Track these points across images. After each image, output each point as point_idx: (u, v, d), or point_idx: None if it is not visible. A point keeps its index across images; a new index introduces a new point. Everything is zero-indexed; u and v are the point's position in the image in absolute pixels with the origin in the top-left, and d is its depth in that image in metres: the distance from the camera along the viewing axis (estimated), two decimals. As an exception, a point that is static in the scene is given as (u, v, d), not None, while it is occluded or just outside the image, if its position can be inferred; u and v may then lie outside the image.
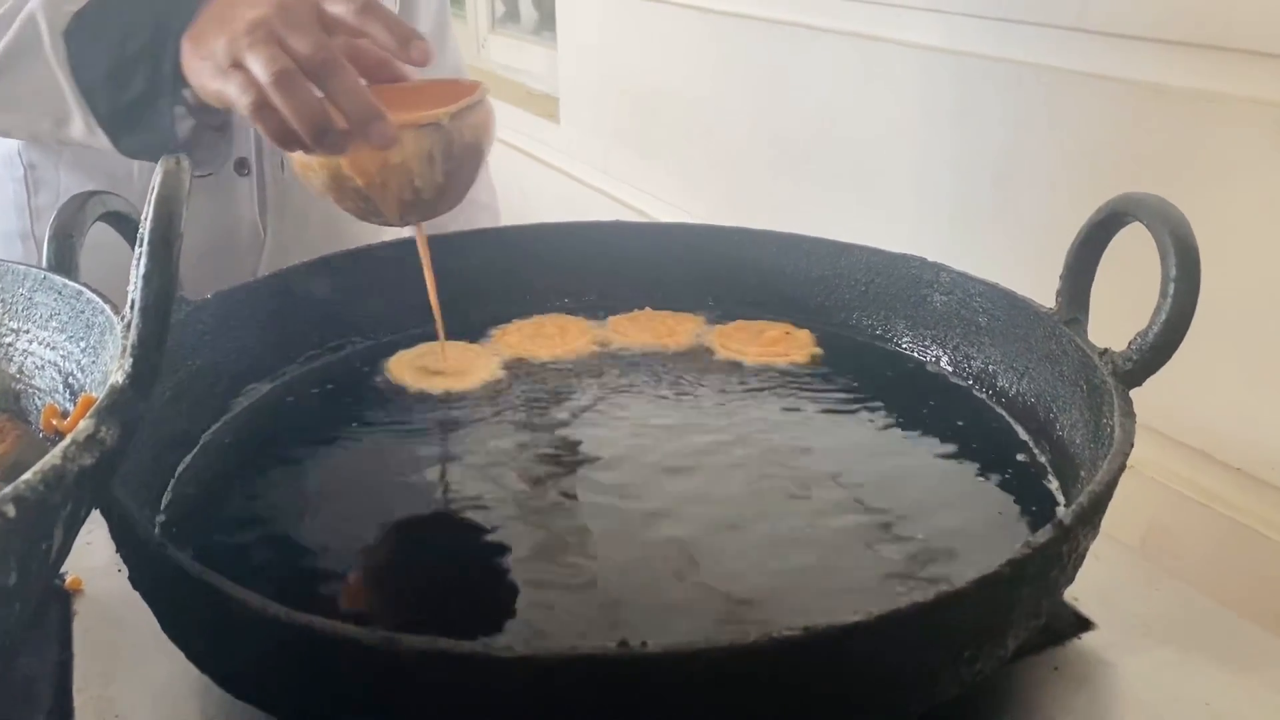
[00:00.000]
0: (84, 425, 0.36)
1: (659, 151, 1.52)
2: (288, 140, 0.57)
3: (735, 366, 0.70)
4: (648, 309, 0.78)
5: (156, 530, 0.53)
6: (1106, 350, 0.55)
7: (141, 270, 0.38)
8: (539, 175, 1.91)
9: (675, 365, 0.71)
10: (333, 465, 0.61)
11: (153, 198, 0.39)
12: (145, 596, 0.45)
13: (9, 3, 0.70)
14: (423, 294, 0.76)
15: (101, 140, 0.69)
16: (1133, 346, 0.53)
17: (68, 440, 0.35)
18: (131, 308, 0.38)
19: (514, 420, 0.64)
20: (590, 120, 1.71)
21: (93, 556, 0.56)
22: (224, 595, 0.38)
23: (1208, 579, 0.81)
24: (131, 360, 0.38)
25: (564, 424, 0.63)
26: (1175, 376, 0.53)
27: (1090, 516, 0.44)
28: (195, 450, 0.60)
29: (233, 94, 0.58)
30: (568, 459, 0.60)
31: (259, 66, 0.55)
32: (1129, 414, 0.50)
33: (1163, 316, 0.51)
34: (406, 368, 0.70)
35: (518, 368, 0.71)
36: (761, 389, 0.68)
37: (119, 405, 0.38)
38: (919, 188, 1.05)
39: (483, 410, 0.65)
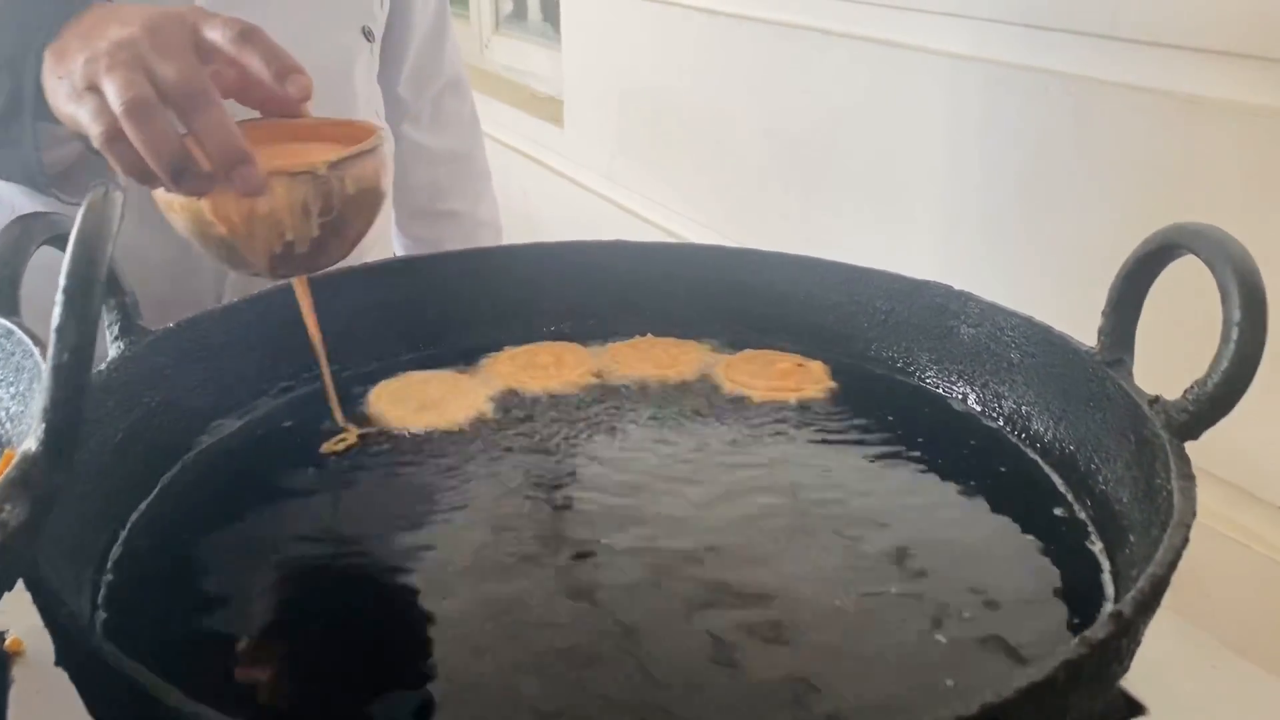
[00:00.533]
0: (-18, 505, 0.31)
1: (665, 158, 1.47)
2: (144, 177, 0.51)
3: (742, 402, 0.65)
4: (649, 335, 0.73)
5: (101, 594, 0.47)
6: (1158, 399, 0.50)
7: (56, 323, 0.32)
8: (542, 180, 1.87)
9: (678, 401, 0.65)
10: (301, 515, 0.55)
11: (72, 237, 0.33)
12: (72, 679, 0.40)
13: None
14: (410, 321, 0.71)
15: None
16: (1189, 396, 0.47)
17: (-39, 525, 0.30)
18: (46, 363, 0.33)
19: (499, 468, 0.58)
20: (595, 125, 1.66)
21: (36, 614, 0.51)
22: (148, 695, 0.33)
23: (1242, 621, 0.76)
24: (44, 425, 0.33)
25: (556, 475, 0.58)
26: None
27: (1151, 604, 0.38)
28: (152, 496, 0.55)
29: (84, 120, 0.52)
30: (557, 513, 0.54)
31: (114, 92, 0.50)
32: (1188, 475, 0.44)
33: (1224, 364, 0.46)
34: (389, 400, 0.65)
35: (508, 401, 0.65)
36: (772, 429, 0.62)
37: (29, 478, 0.32)
38: (939, 202, 0.99)
39: (467, 451, 0.60)
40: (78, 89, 0.52)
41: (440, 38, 1.00)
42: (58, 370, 0.33)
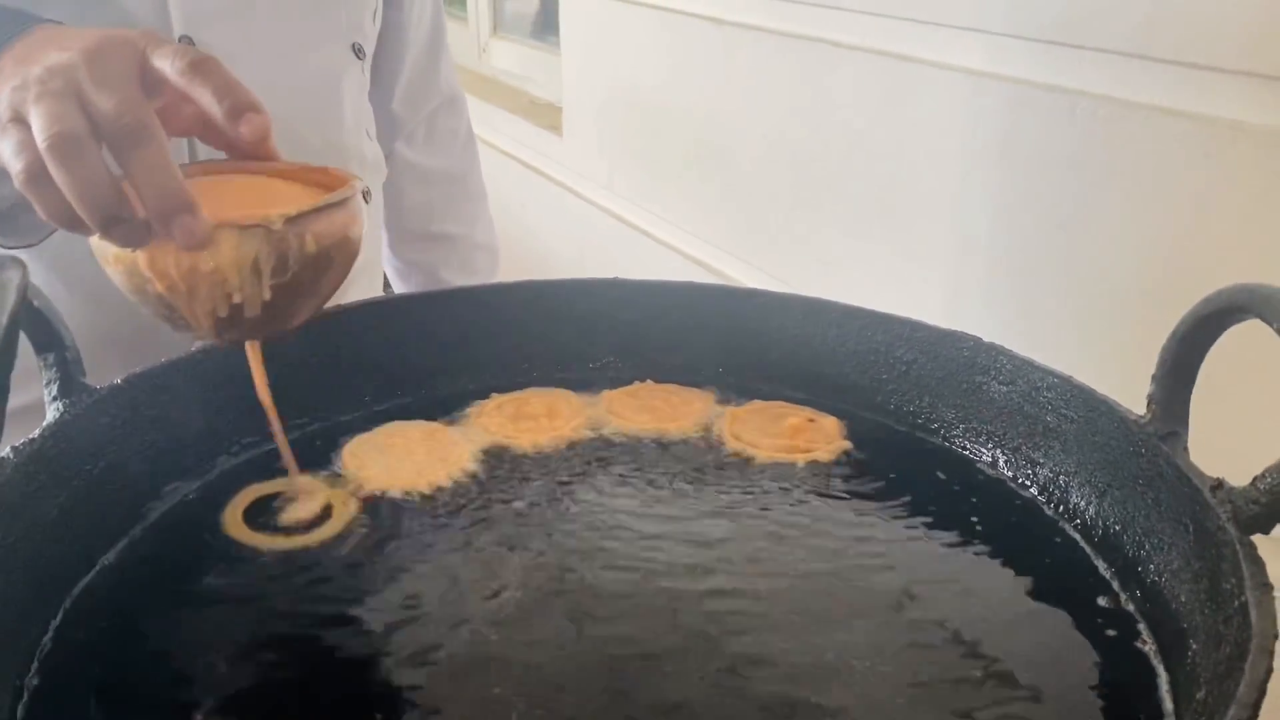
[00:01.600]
0: None
1: (667, 171, 1.42)
2: (70, 223, 0.45)
3: (746, 464, 0.59)
4: (649, 382, 0.67)
5: (23, 703, 0.42)
6: (1221, 483, 0.44)
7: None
8: (540, 189, 1.82)
9: (677, 460, 0.60)
10: (263, 599, 0.49)
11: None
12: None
13: None
14: (392, 365, 0.66)
15: None
16: (1261, 486, 0.42)
17: None
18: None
19: (482, 544, 0.52)
20: (595, 135, 1.61)
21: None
22: None
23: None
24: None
25: (545, 558, 0.52)
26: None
27: (1236, 756, 0.32)
28: (90, 576, 0.49)
29: (5, 155, 0.46)
30: (553, 593, 0.48)
31: (40, 124, 0.44)
32: (1264, 584, 0.39)
33: (1303, 452, 0.40)
34: (363, 457, 0.59)
35: (495, 460, 0.59)
36: (777, 497, 0.56)
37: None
38: (954, 226, 0.94)
39: (447, 521, 0.54)
40: (2, 120, 0.46)
41: (436, 53, 0.95)
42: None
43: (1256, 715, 0.34)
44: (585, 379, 0.67)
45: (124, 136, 0.43)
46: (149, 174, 0.43)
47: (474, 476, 0.58)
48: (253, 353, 0.52)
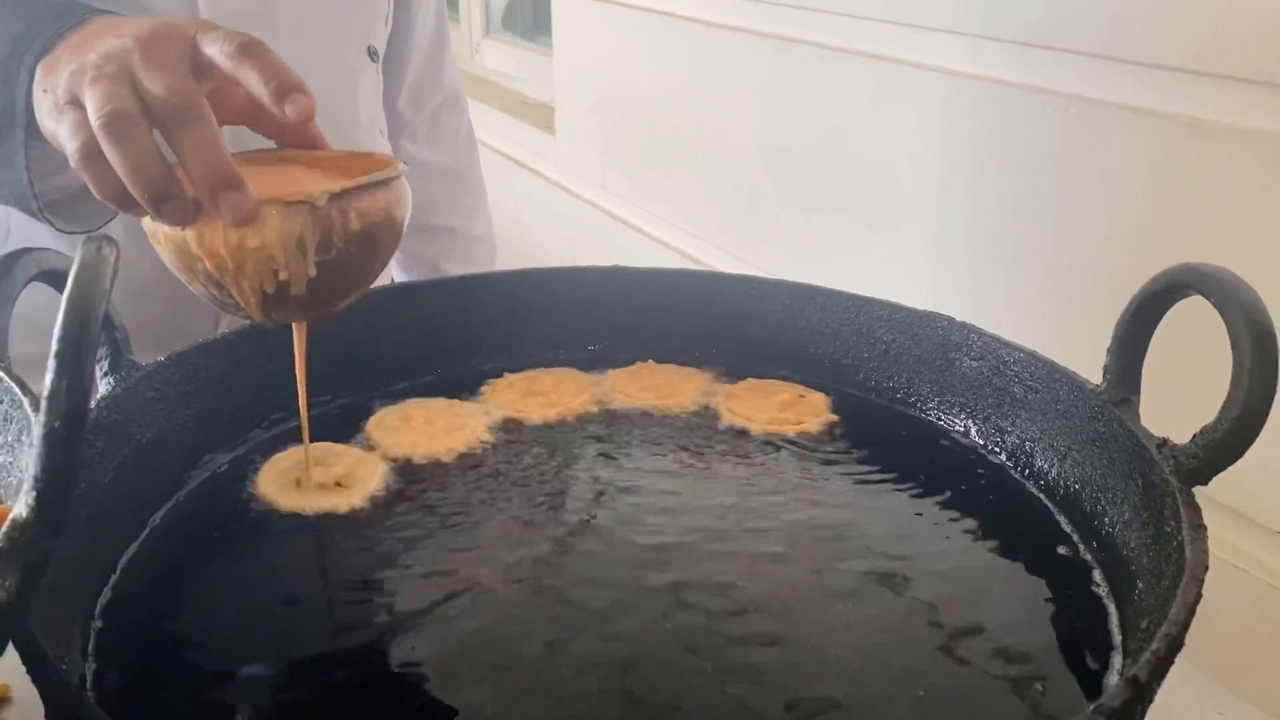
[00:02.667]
0: (-28, 579, 0.30)
1: (658, 169, 1.46)
2: (123, 202, 0.47)
3: (742, 434, 0.64)
4: (650, 362, 0.72)
5: (91, 642, 0.46)
6: (1165, 442, 0.49)
7: (47, 389, 0.31)
8: (533, 187, 1.85)
9: (679, 432, 0.65)
10: (298, 555, 0.54)
11: (65, 296, 0.32)
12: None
13: None
14: (410, 347, 0.70)
15: None
16: (1198, 442, 0.47)
17: (-51, 602, 0.29)
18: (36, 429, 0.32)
19: (501, 503, 0.57)
20: (587, 134, 1.65)
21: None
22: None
23: (1245, 660, 0.75)
24: (35, 494, 0.32)
25: (558, 513, 0.57)
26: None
27: (1165, 665, 0.38)
28: (142, 537, 0.54)
29: (62, 136, 0.47)
30: (564, 552, 0.53)
31: (94, 105, 0.45)
32: (1198, 525, 0.44)
33: (1235, 411, 0.45)
34: (388, 429, 0.64)
35: (508, 431, 0.64)
36: (770, 462, 0.61)
37: (20, 548, 0.31)
38: (934, 220, 0.99)
39: (471, 484, 0.59)
40: (59, 103, 0.48)
41: (440, 53, 0.99)
42: (49, 438, 0.31)
43: (1185, 631, 0.39)
44: (589, 360, 0.72)
45: (174, 116, 0.45)
46: (198, 152, 0.44)
47: (489, 445, 0.62)
48: (298, 332, 0.54)
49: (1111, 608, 0.49)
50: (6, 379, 0.42)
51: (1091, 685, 0.44)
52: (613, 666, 0.45)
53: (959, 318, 0.66)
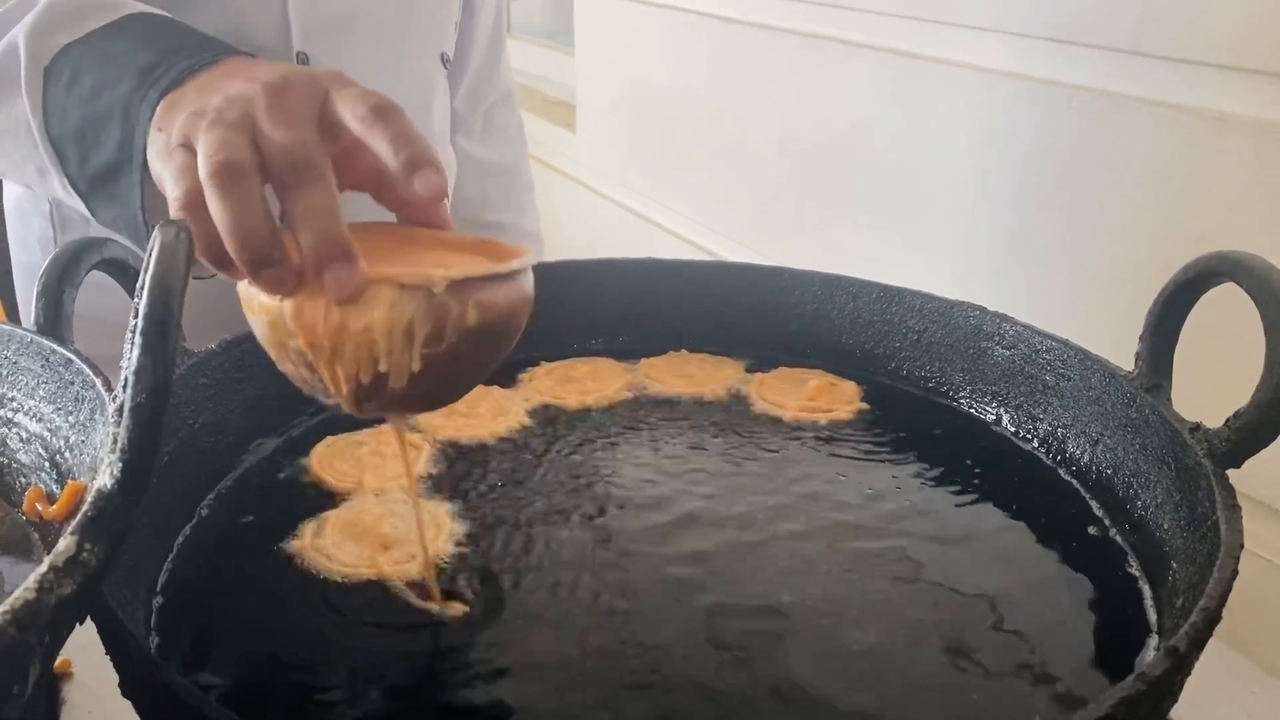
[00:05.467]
0: (64, 545, 0.31)
1: (680, 166, 1.47)
2: (220, 260, 0.42)
3: (773, 422, 0.65)
4: (683, 351, 0.73)
5: (153, 619, 0.48)
6: (1199, 426, 0.50)
7: (133, 365, 0.33)
8: (554, 184, 1.86)
9: (712, 418, 0.66)
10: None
11: (147, 277, 0.34)
12: (137, 709, 0.41)
13: (1, 9, 0.62)
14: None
15: (79, 204, 0.58)
16: (1231, 425, 0.48)
17: (44, 566, 0.31)
18: (121, 405, 0.34)
19: (543, 482, 0.59)
20: (608, 131, 1.66)
21: (86, 631, 0.51)
22: (224, 731, 0.34)
23: (1274, 641, 0.76)
24: (121, 464, 0.33)
25: (597, 492, 0.58)
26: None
27: (1203, 638, 0.39)
28: (196, 519, 0.55)
29: (166, 180, 0.44)
30: (604, 527, 0.55)
31: (205, 150, 0.41)
32: (1233, 505, 0.45)
33: (1266, 395, 0.46)
34: (436, 412, 0.65)
35: (546, 416, 0.66)
36: (801, 449, 0.62)
37: (106, 516, 0.33)
38: (961, 216, 0.99)
39: (513, 465, 0.60)
40: (171, 144, 0.45)
41: (498, 51, 1.00)
42: (136, 411, 0.33)
43: (1222, 606, 0.40)
44: (623, 349, 0.73)
45: (290, 173, 0.41)
46: (311, 216, 0.40)
47: (529, 429, 0.64)
48: (397, 433, 0.49)
49: (1146, 589, 0.50)
50: (78, 361, 0.44)
51: (1128, 665, 0.45)
52: (645, 648, 0.46)
53: (985, 303, 0.66)
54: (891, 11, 1.04)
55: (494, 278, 0.42)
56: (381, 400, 0.43)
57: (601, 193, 1.71)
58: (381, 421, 0.62)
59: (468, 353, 0.42)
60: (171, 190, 0.43)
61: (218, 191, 0.40)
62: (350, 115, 0.43)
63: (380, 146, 0.43)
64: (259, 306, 0.43)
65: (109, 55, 0.55)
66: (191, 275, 0.55)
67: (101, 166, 0.55)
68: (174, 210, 0.43)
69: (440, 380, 0.43)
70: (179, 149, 0.44)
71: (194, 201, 0.42)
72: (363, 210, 0.48)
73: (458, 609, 0.48)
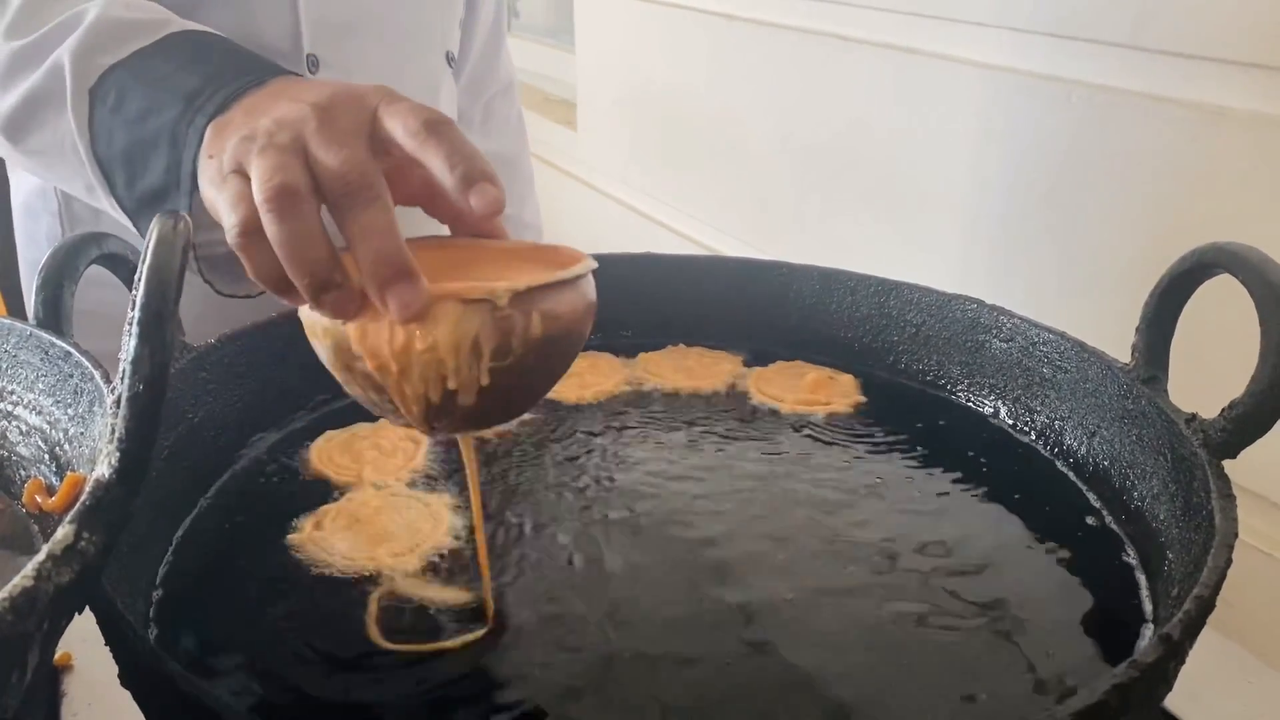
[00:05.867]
0: (62, 534, 0.32)
1: (681, 163, 1.47)
2: (280, 286, 0.42)
3: (771, 414, 0.66)
4: (681, 345, 0.74)
5: (151, 611, 0.48)
6: (1195, 416, 0.50)
7: (130, 354, 0.33)
8: (556, 182, 1.87)
9: (710, 411, 0.66)
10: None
11: (144, 267, 0.34)
12: (136, 699, 0.41)
13: (41, 29, 0.61)
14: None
15: (127, 221, 0.59)
16: (1226, 415, 0.48)
17: (42, 554, 0.31)
18: (119, 396, 0.34)
19: (541, 475, 0.59)
20: (609, 129, 1.66)
21: (84, 624, 0.51)
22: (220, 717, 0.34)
23: (1273, 633, 0.76)
24: (119, 454, 0.34)
25: (596, 486, 0.59)
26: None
27: (1197, 626, 0.39)
28: (196, 511, 0.55)
29: (221, 208, 0.43)
30: (602, 520, 0.55)
31: (259, 176, 0.41)
32: (1228, 495, 0.45)
33: (1261, 385, 0.46)
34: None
35: (545, 410, 0.66)
36: (799, 441, 0.63)
37: (104, 505, 0.33)
38: (960, 211, 1.00)
39: (510, 459, 0.60)
40: (224, 171, 0.44)
41: (498, 44, 1.00)
42: (134, 400, 0.33)
43: (1216, 594, 0.40)
44: (622, 344, 0.74)
45: (346, 195, 0.40)
46: (369, 237, 0.40)
47: (528, 423, 0.64)
48: (466, 450, 0.48)
49: (1142, 580, 0.50)
50: (76, 354, 0.44)
51: (1124, 654, 0.45)
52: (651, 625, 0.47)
53: (985, 297, 0.67)
54: (891, 7, 1.04)
55: (557, 285, 0.42)
56: (453, 418, 0.42)
57: (603, 190, 1.71)
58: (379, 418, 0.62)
59: (535, 363, 0.42)
60: (227, 218, 0.42)
61: (274, 216, 0.40)
62: (402, 131, 0.43)
63: (434, 163, 0.42)
64: (322, 331, 0.42)
65: (154, 79, 0.55)
66: (239, 294, 0.56)
67: (149, 190, 0.55)
68: (231, 238, 0.42)
69: (509, 393, 0.43)
70: (233, 175, 0.43)
71: (251, 228, 0.41)
72: (414, 224, 0.47)
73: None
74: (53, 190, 0.81)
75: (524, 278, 0.41)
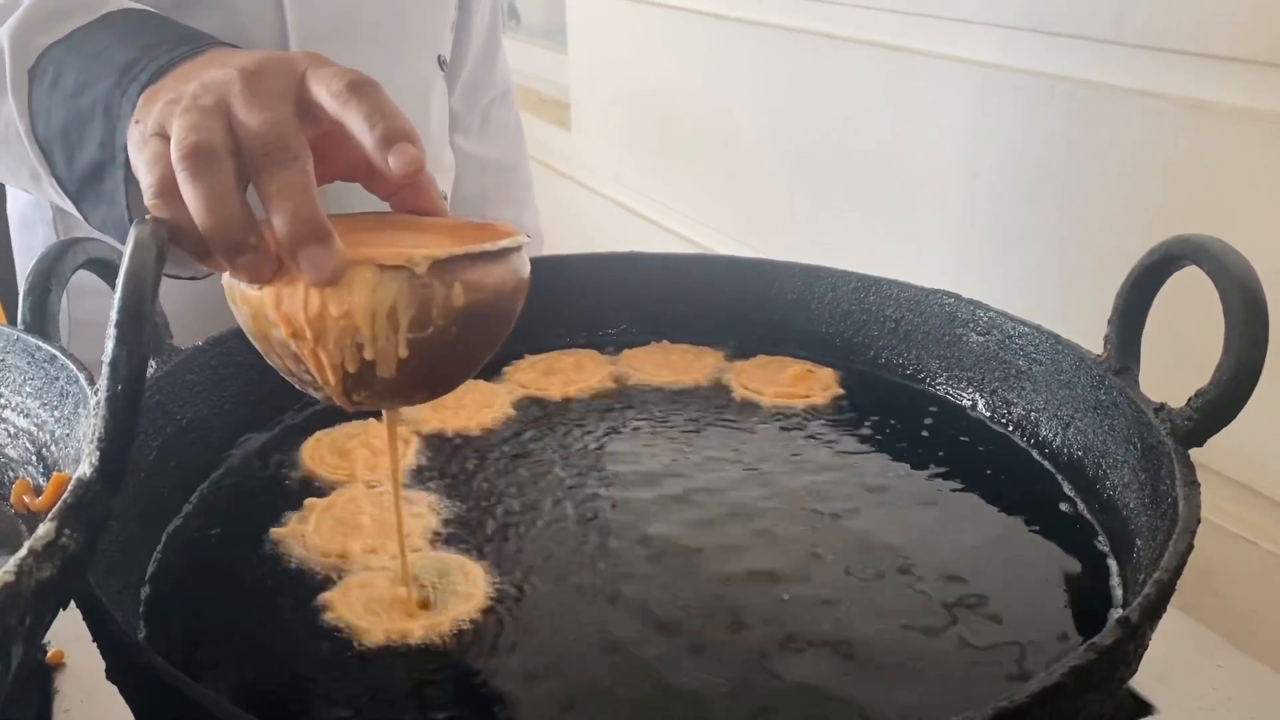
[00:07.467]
0: (44, 531, 0.33)
1: (674, 162, 1.48)
2: (198, 249, 0.41)
3: (753, 408, 0.67)
4: (665, 342, 0.75)
5: (140, 609, 0.49)
6: (1163, 406, 0.51)
7: (109, 356, 0.34)
8: (550, 183, 1.87)
9: (693, 405, 0.67)
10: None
11: (121, 271, 0.35)
12: (122, 693, 0.42)
13: None
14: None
15: (71, 206, 0.59)
16: (1192, 405, 0.49)
17: (24, 550, 0.32)
18: (100, 397, 0.35)
19: (528, 470, 0.60)
20: (602, 129, 1.67)
21: (77, 624, 0.52)
22: (206, 711, 0.35)
23: (1247, 618, 0.77)
24: (99, 453, 0.35)
25: (581, 480, 0.59)
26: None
27: (1157, 610, 0.40)
28: (186, 511, 0.56)
29: (140, 169, 0.43)
30: (589, 514, 0.56)
31: (177, 135, 0.40)
32: (1192, 482, 0.46)
33: (1226, 375, 0.47)
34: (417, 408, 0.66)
35: (531, 407, 0.67)
36: (781, 432, 0.64)
37: (85, 504, 0.34)
38: (947, 206, 1.00)
39: (499, 454, 0.61)
40: (146, 134, 0.44)
41: (494, 50, 1.00)
42: (112, 401, 0.34)
43: (1176, 578, 0.41)
44: (606, 342, 0.75)
45: (264, 155, 0.40)
46: (284, 196, 0.39)
47: (514, 420, 0.65)
48: (390, 427, 0.47)
49: (1113, 566, 0.51)
50: (62, 357, 0.45)
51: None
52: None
53: (973, 291, 0.67)
54: (879, 6, 1.05)
55: (481, 256, 0.40)
56: (372, 390, 0.41)
57: (597, 190, 1.72)
58: (375, 414, 0.63)
59: (459, 336, 0.41)
60: (145, 179, 0.42)
61: (188, 174, 0.39)
62: (325, 93, 0.42)
63: (355, 123, 0.41)
64: (241, 297, 0.41)
65: (91, 53, 0.55)
66: (183, 275, 0.56)
67: (86, 166, 0.55)
68: (148, 198, 0.42)
69: (432, 367, 0.41)
70: (153, 138, 0.43)
71: (167, 188, 0.41)
72: (352, 203, 0.47)
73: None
74: (46, 200, 0.82)
75: (447, 248, 0.40)
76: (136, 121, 0.47)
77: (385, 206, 0.47)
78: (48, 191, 0.61)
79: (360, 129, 0.41)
